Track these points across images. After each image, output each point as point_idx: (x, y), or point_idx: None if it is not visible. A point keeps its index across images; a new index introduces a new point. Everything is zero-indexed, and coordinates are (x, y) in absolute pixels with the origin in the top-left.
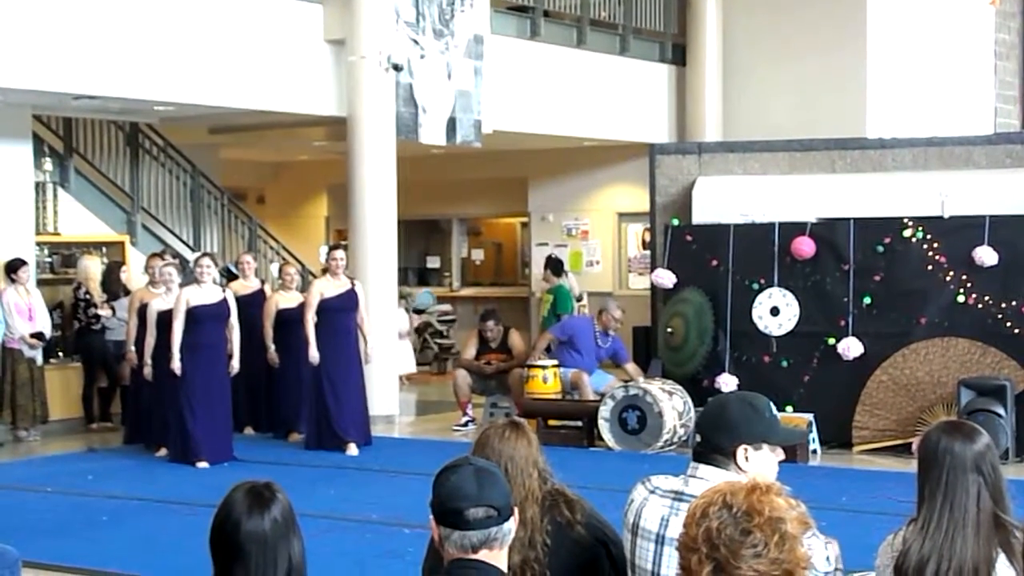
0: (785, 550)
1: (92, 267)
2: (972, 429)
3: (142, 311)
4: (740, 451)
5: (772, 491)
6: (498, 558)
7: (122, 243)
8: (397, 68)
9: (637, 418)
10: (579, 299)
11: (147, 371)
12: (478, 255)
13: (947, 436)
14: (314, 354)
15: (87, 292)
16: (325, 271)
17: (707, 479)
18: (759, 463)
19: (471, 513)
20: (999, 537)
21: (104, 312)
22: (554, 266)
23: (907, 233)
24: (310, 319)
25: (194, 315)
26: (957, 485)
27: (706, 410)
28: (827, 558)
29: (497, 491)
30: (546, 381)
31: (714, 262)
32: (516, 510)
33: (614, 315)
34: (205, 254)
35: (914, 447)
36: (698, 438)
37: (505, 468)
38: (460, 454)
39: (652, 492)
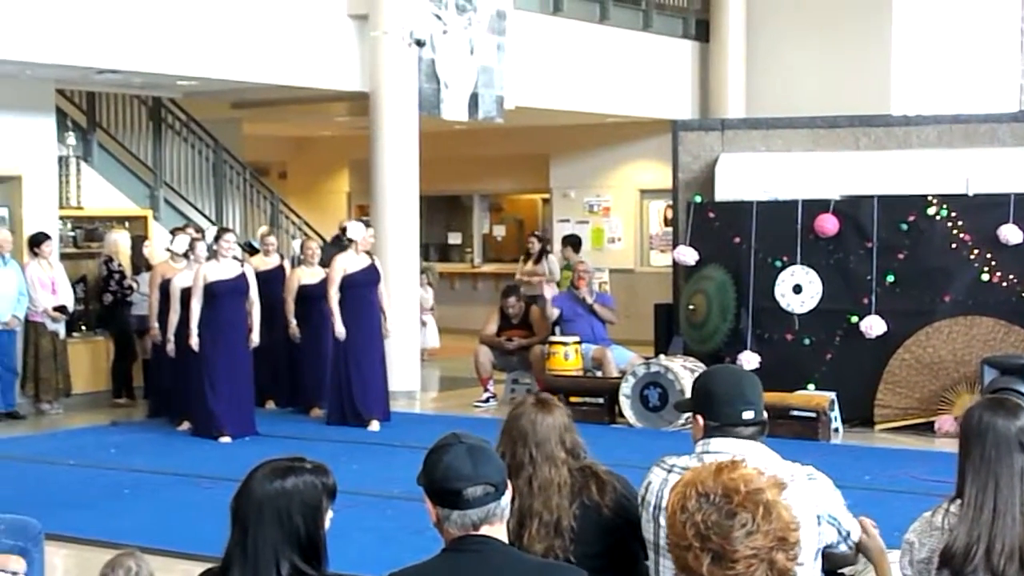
0: (773, 519)
1: (122, 240)
2: (1015, 405)
3: (164, 285)
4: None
5: (738, 466)
6: (499, 531)
7: (145, 218)
8: (420, 43)
9: (658, 395)
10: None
11: (170, 347)
12: (499, 231)
13: (989, 412)
14: (340, 329)
15: (119, 265)
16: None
17: (724, 451)
18: None
19: (469, 492)
20: None
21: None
22: (573, 243)
23: (931, 211)
24: (334, 294)
25: (212, 291)
26: (1001, 463)
27: (746, 385)
28: (833, 487)
29: (492, 467)
30: (567, 358)
31: (737, 239)
32: (510, 484)
33: (580, 269)
34: (226, 229)
35: (937, 427)
36: (751, 414)
37: (530, 452)
38: (480, 430)
39: (670, 471)
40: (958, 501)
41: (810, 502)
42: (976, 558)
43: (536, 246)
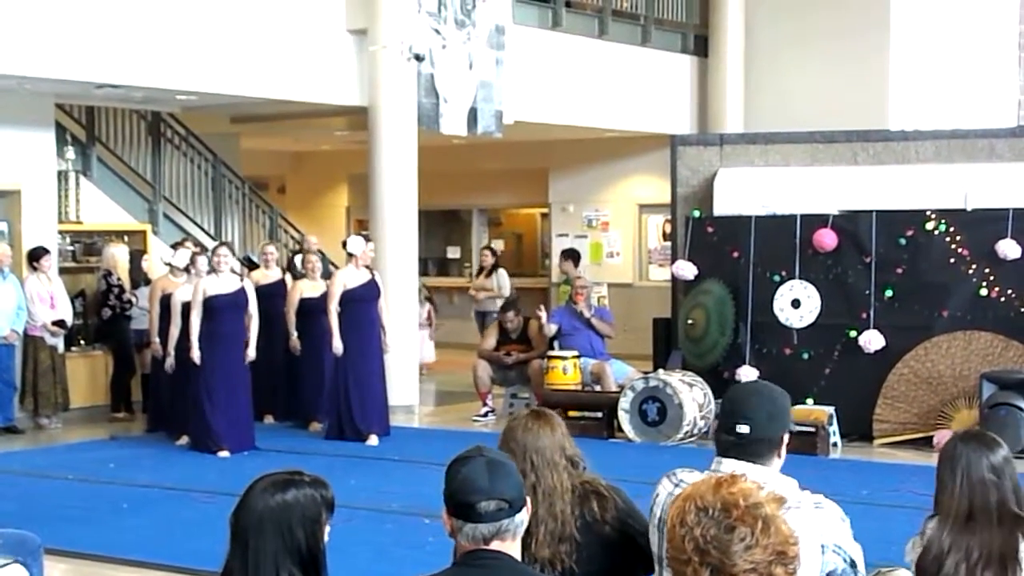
0: (772, 533)
1: (120, 255)
2: (991, 440)
3: (164, 300)
4: (784, 439)
5: (737, 481)
6: (511, 548)
7: (144, 232)
8: (419, 58)
9: (657, 410)
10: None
11: (169, 362)
12: (498, 246)
13: (963, 444)
14: (338, 345)
15: (118, 279)
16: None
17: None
18: (784, 450)
19: (483, 506)
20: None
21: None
22: (572, 257)
23: (930, 226)
24: (334, 309)
25: (212, 305)
26: (975, 489)
27: (751, 400)
28: (841, 517)
29: (509, 483)
30: (566, 372)
31: (735, 254)
32: (528, 501)
33: (578, 284)
34: (222, 244)
35: (936, 441)
36: (746, 429)
37: (531, 460)
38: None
39: (677, 485)
40: (936, 517)
41: (814, 531)
42: (946, 567)
43: (489, 260)
